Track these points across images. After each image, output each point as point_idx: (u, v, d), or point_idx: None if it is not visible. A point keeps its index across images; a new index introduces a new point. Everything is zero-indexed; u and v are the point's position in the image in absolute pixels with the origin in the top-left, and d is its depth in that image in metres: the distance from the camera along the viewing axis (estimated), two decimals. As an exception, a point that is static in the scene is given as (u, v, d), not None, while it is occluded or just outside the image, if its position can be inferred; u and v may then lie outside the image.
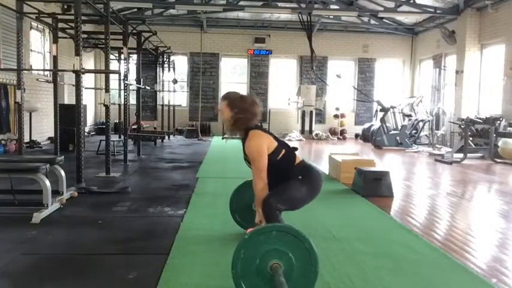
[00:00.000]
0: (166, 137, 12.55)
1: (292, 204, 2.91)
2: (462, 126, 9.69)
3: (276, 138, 2.92)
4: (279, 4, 13.03)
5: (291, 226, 2.38)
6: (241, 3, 13.09)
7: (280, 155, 2.80)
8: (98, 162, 7.55)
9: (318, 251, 2.33)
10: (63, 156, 4.81)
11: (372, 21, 14.59)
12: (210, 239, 3.46)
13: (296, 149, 3.01)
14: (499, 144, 9.36)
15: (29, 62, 9.84)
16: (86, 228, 3.75)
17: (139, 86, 9.35)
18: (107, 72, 6.80)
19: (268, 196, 2.79)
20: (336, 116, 15.73)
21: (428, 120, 12.79)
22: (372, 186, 5.31)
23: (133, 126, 10.15)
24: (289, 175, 2.82)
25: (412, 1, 12.25)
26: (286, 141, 3.09)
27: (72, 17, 6.25)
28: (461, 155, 8.93)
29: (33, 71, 10.12)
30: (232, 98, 2.95)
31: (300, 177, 2.83)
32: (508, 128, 9.80)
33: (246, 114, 2.89)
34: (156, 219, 4.09)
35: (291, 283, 2.23)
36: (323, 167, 7.63)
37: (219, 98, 15.73)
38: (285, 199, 2.83)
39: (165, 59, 13.67)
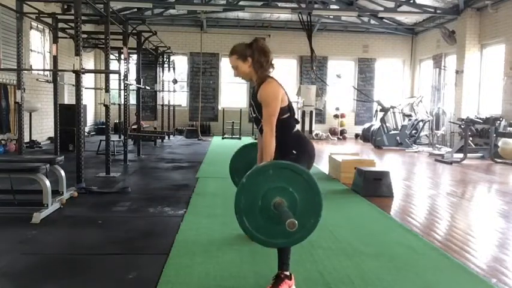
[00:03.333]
0: (166, 137, 12.55)
1: None
2: (462, 126, 9.69)
3: (288, 97, 2.74)
4: (279, 4, 13.03)
5: (286, 161, 2.35)
6: (241, 3, 13.08)
7: (285, 116, 2.66)
8: (98, 162, 7.56)
9: (316, 181, 2.27)
10: (63, 156, 4.81)
11: (372, 21, 14.59)
12: (210, 239, 3.46)
13: (298, 122, 2.91)
14: (499, 144, 9.36)
15: (29, 62, 9.84)
16: (86, 228, 3.75)
17: (139, 86, 9.35)
18: (107, 72, 6.80)
19: None
20: (336, 116, 15.73)
21: (428, 120, 12.80)
22: (372, 186, 5.31)
23: (133, 126, 10.14)
24: (284, 139, 2.65)
25: (412, 1, 12.25)
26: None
27: (72, 17, 6.24)
28: (461, 155, 8.93)
29: (33, 71, 10.12)
30: (240, 49, 2.75)
31: (294, 151, 2.65)
32: (508, 128, 9.80)
33: (265, 58, 2.69)
34: (156, 219, 4.09)
35: (297, 217, 2.15)
36: (323, 167, 7.63)
37: (219, 98, 15.78)
38: None
39: (165, 59, 13.66)
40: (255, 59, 2.66)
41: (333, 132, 15.48)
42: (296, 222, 2.02)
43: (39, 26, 10.40)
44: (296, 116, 2.83)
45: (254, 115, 2.71)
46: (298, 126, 2.80)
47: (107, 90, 6.64)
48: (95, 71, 15.17)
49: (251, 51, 2.68)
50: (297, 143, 2.69)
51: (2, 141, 8.67)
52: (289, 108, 2.69)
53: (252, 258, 3.04)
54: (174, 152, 9.80)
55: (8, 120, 8.90)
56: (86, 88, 10.59)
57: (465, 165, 8.57)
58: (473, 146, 9.81)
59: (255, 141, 3.23)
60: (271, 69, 2.72)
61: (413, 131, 12.73)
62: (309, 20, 12.26)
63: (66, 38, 8.96)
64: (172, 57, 14.15)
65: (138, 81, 9.42)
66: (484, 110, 11.60)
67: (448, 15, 12.42)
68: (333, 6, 13.54)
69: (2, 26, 8.60)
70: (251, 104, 2.73)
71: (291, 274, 2.54)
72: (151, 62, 12.53)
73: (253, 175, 2.24)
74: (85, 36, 10.20)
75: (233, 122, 14.07)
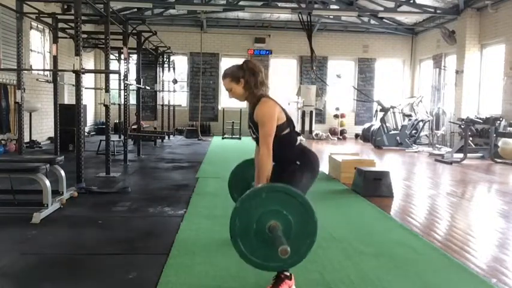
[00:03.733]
0: (166, 137, 12.55)
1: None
2: (462, 126, 9.69)
3: (286, 113, 2.78)
4: (279, 4, 13.03)
5: (280, 184, 2.35)
6: (241, 3, 13.08)
7: (285, 132, 2.68)
8: (98, 162, 7.56)
9: (312, 204, 2.28)
10: (63, 156, 4.81)
11: (372, 21, 14.59)
12: (210, 239, 3.46)
13: (300, 134, 2.92)
14: (499, 144, 9.35)
15: (29, 62, 9.84)
16: (86, 228, 3.75)
17: (139, 86, 9.35)
18: (107, 72, 6.80)
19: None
20: (336, 116, 15.73)
21: (428, 120, 12.80)
22: (372, 186, 5.31)
23: (133, 126, 10.14)
24: (287, 156, 2.69)
25: (412, 1, 12.25)
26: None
27: (72, 17, 6.24)
28: (461, 155, 8.92)
29: (33, 71, 10.12)
30: (232, 71, 2.77)
31: (298, 162, 2.70)
32: (508, 128, 9.80)
33: (256, 78, 2.73)
34: (156, 219, 4.09)
35: (292, 239, 2.19)
36: (323, 167, 7.63)
37: (219, 98, 15.77)
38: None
39: (165, 59, 13.66)
40: (246, 80, 2.70)
41: (333, 132, 15.48)
42: (288, 249, 2.04)
43: (39, 26, 10.40)
44: (296, 129, 2.85)
45: (255, 136, 2.74)
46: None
47: (107, 90, 6.64)
48: (95, 71, 15.16)
49: (243, 72, 2.72)
50: (300, 155, 2.74)
51: (2, 141, 8.67)
52: (288, 124, 2.73)
53: (252, 258, 3.04)
54: (174, 152, 9.80)
55: (8, 120, 8.90)
56: (86, 88, 10.58)
57: (465, 165, 8.57)
58: (473, 146, 9.81)
59: (249, 158, 3.27)
60: (264, 88, 2.76)
61: (413, 131, 12.73)
62: (309, 20, 12.27)
63: (66, 38, 8.96)
64: (172, 57, 14.15)
65: (138, 81, 9.42)
66: (484, 110, 11.60)
67: (448, 15, 12.42)
68: (333, 6, 13.54)
69: (2, 26, 8.60)
70: (250, 126, 2.76)
71: (291, 274, 2.54)
72: (151, 62, 12.53)
73: (247, 199, 2.26)
74: (85, 36, 10.20)
75: (233, 122, 14.07)
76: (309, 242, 2.28)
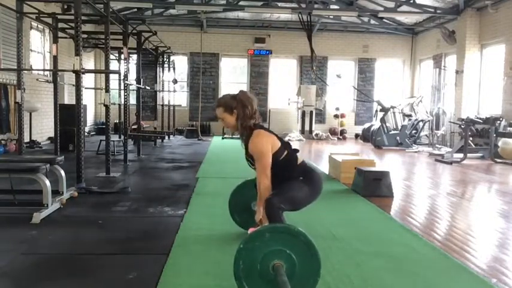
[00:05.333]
0: (166, 137, 12.55)
1: (295, 204, 2.88)
2: (462, 126, 9.69)
3: (279, 138, 2.90)
4: (279, 4, 13.03)
5: (282, 224, 2.37)
6: (241, 3, 13.09)
7: (283, 156, 2.77)
8: (98, 162, 7.55)
9: (314, 241, 2.32)
10: (63, 156, 4.81)
11: (372, 21, 14.59)
12: (210, 239, 3.46)
13: (298, 150, 2.99)
14: (499, 144, 9.35)
15: (29, 62, 9.84)
16: (86, 228, 3.75)
17: (139, 86, 9.35)
18: (107, 72, 6.80)
19: (271, 195, 2.76)
20: (336, 116, 15.73)
21: (428, 120, 12.79)
22: (372, 186, 5.30)
23: (133, 126, 10.14)
24: (290, 176, 2.81)
25: (412, 1, 12.25)
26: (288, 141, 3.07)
27: (72, 17, 6.24)
28: (461, 155, 8.92)
29: (33, 71, 10.12)
30: (225, 101, 2.89)
31: (301, 178, 2.82)
32: (508, 128, 9.80)
33: (246, 110, 2.83)
34: (156, 219, 4.09)
35: (297, 278, 2.22)
36: (323, 167, 7.63)
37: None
38: (288, 198, 2.79)
39: (165, 59, 13.66)
40: (238, 112, 2.83)
41: (333, 132, 15.47)
42: None
43: (39, 26, 10.40)
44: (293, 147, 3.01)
45: (253, 167, 2.87)
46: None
47: (107, 90, 6.64)
48: (95, 71, 15.16)
49: (236, 103, 2.83)
50: (303, 174, 2.87)
51: (2, 141, 8.67)
52: (284, 147, 2.82)
53: (252, 258, 3.04)
54: (174, 152, 9.80)
55: (8, 120, 8.90)
56: (86, 88, 10.57)
57: (465, 165, 8.57)
58: (473, 146, 9.81)
59: (249, 180, 3.41)
60: (256, 117, 2.87)
61: (414, 131, 12.73)
62: (309, 20, 12.27)
63: (66, 38, 8.95)
64: (172, 57, 14.15)
65: (138, 81, 9.42)
66: (484, 110, 11.60)
67: (448, 15, 12.43)
68: (333, 6, 13.54)
69: (2, 26, 8.60)
70: (247, 159, 2.89)
71: None
72: (151, 62, 12.53)
73: (250, 240, 2.28)
74: (85, 36, 10.20)
75: (233, 122, 14.03)
76: (312, 281, 2.31)
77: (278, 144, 2.80)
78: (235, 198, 3.55)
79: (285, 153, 2.79)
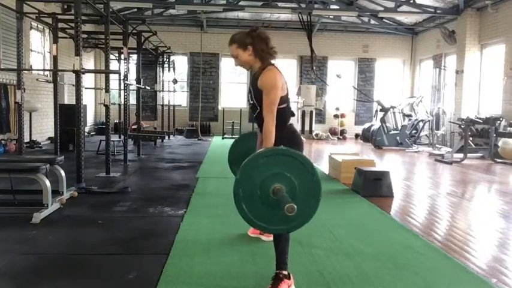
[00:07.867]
0: (166, 137, 12.55)
1: None
2: (462, 126, 9.69)
3: (287, 87, 2.73)
4: (279, 4, 13.03)
5: (277, 147, 2.32)
6: (241, 3, 13.08)
7: (283, 106, 2.63)
8: (98, 162, 7.55)
9: (311, 162, 2.23)
10: (63, 156, 4.81)
11: (372, 21, 14.59)
12: (210, 239, 3.46)
13: (294, 114, 2.89)
14: (499, 144, 9.36)
15: (29, 62, 9.84)
16: (86, 228, 3.75)
17: (139, 86, 9.35)
18: (107, 72, 6.80)
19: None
20: (336, 116, 15.74)
21: (428, 120, 12.80)
22: (372, 186, 5.31)
23: (133, 126, 10.14)
24: (278, 130, 2.57)
25: (412, 1, 12.25)
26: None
27: (72, 17, 6.24)
28: (461, 155, 8.93)
29: (33, 71, 10.12)
30: (239, 37, 2.67)
31: (287, 138, 2.62)
32: (508, 128, 9.80)
33: (267, 46, 2.65)
34: (156, 219, 4.09)
35: (298, 199, 2.13)
36: (323, 167, 7.63)
37: (219, 98, 15.78)
38: None
39: (165, 59, 13.66)
40: (256, 47, 2.62)
41: (333, 132, 15.48)
42: (295, 206, 1.99)
43: (39, 26, 10.40)
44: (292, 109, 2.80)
45: (252, 102, 2.68)
46: (293, 119, 2.76)
47: (107, 90, 6.64)
48: (95, 71, 15.17)
49: (251, 39, 2.63)
50: (290, 136, 2.68)
51: (2, 141, 8.67)
52: (287, 98, 2.68)
53: (252, 258, 3.04)
54: (174, 152, 9.80)
55: (8, 120, 8.90)
56: (86, 88, 10.58)
57: (465, 165, 8.57)
58: (473, 146, 9.81)
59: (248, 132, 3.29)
60: (271, 58, 2.67)
61: (414, 131, 12.73)
62: (309, 20, 12.26)
63: (66, 38, 8.96)
64: (172, 57, 14.15)
65: (138, 81, 9.42)
66: (484, 110, 11.60)
67: (448, 15, 12.43)
68: (333, 6, 13.54)
69: (2, 26, 8.60)
70: (250, 90, 2.69)
71: (289, 274, 2.54)
72: (151, 62, 12.54)
73: (246, 168, 2.21)
74: (85, 36, 10.21)
75: (233, 122, 14.07)
76: (313, 201, 2.23)
77: (286, 90, 2.66)
78: (235, 150, 3.47)
79: (285, 105, 2.66)
